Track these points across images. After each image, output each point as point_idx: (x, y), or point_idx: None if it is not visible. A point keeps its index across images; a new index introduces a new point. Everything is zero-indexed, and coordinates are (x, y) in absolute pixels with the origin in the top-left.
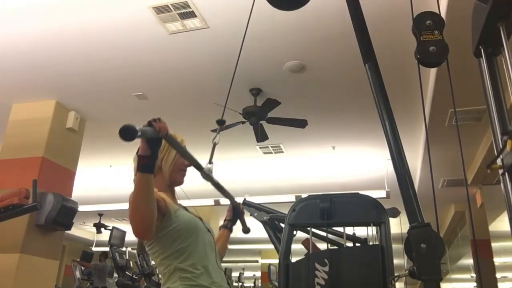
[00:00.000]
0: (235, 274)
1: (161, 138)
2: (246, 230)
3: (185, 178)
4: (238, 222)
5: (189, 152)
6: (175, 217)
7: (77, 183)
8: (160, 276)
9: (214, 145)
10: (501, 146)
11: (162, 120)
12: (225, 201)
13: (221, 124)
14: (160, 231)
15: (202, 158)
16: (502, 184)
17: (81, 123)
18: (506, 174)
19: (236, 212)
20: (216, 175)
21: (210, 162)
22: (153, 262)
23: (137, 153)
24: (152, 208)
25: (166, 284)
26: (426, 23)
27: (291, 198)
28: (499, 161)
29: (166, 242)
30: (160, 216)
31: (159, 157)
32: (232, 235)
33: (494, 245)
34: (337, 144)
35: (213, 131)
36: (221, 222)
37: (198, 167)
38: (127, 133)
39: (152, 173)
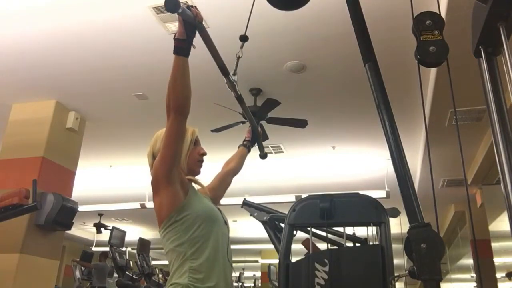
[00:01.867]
0: (235, 274)
1: (196, 24)
2: (263, 155)
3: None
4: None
5: (218, 52)
6: (198, 200)
7: (77, 183)
8: (160, 276)
9: (238, 58)
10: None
11: (198, 9)
12: (224, 201)
13: (245, 40)
14: (181, 212)
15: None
16: (500, 174)
17: (81, 123)
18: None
19: (254, 135)
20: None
21: (235, 73)
22: (153, 262)
23: (174, 37)
24: (187, 87)
25: (174, 278)
26: (426, 23)
27: (291, 198)
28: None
29: (183, 227)
30: (185, 189)
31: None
32: (232, 235)
33: (494, 245)
34: (337, 144)
35: (213, 131)
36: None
37: (224, 71)
38: (171, 4)
39: (187, 56)
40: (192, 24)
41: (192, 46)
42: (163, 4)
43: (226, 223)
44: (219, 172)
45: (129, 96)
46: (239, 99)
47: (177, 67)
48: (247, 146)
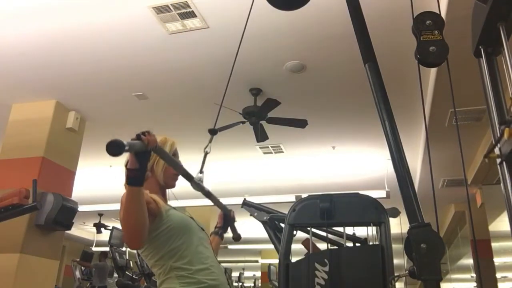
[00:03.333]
0: (235, 274)
1: (149, 151)
2: (236, 237)
3: (183, 178)
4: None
5: (179, 162)
6: (167, 217)
7: (77, 183)
8: (157, 279)
9: (206, 154)
10: (498, 135)
11: (151, 132)
12: (224, 201)
13: (213, 134)
14: (153, 232)
15: (202, 158)
16: (500, 174)
17: (81, 123)
18: (504, 163)
19: (227, 219)
20: (216, 175)
21: (201, 171)
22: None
23: (125, 165)
24: (143, 219)
25: (163, 285)
26: (426, 23)
27: (291, 198)
28: (497, 151)
29: (159, 242)
30: (151, 218)
31: (150, 160)
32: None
33: (494, 245)
34: (337, 144)
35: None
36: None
37: (188, 177)
38: (114, 148)
39: (142, 185)
40: (144, 153)
41: (147, 174)
42: (163, 4)
43: (203, 229)
44: None
45: (129, 96)
46: (208, 194)
47: (132, 199)
48: (219, 234)
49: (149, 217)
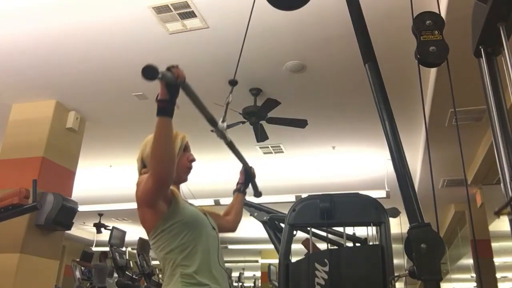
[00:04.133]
0: (235, 274)
1: (178, 84)
2: (257, 194)
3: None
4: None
5: (205, 106)
6: (182, 209)
7: (77, 183)
8: (160, 276)
9: (227, 104)
10: (510, 191)
11: (179, 67)
12: (224, 201)
13: (234, 85)
14: (167, 222)
15: (202, 158)
16: (510, 228)
17: (81, 123)
18: (506, 169)
19: (248, 176)
20: (216, 175)
21: (224, 120)
22: (153, 262)
23: (156, 99)
24: (172, 150)
25: (167, 282)
26: (426, 23)
27: (291, 198)
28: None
29: (171, 235)
30: (167, 204)
31: None
32: (232, 235)
33: (494, 245)
34: (337, 144)
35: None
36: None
37: (213, 122)
38: (149, 72)
39: (171, 117)
40: (174, 85)
41: (176, 107)
42: (163, 4)
43: (214, 228)
44: (221, 214)
45: (129, 96)
46: (230, 145)
47: (161, 129)
48: (241, 191)
49: (165, 201)
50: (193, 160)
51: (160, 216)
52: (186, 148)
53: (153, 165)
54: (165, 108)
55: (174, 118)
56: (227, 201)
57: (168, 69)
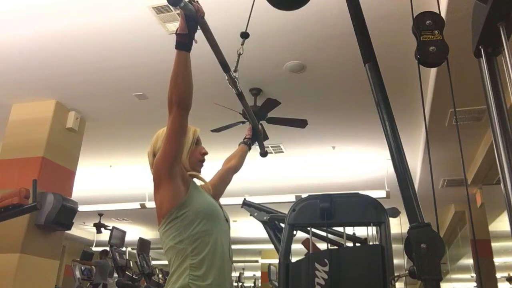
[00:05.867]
0: (235, 274)
1: (198, 19)
2: (263, 153)
3: None
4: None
5: (219, 49)
6: (199, 197)
7: (77, 183)
8: (160, 276)
9: (239, 55)
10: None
11: (200, 4)
12: (225, 201)
13: (245, 37)
14: (182, 208)
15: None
16: (502, 183)
17: (81, 123)
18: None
19: (255, 133)
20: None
21: (236, 70)
22: (153, 262)
23: (176, 32)
24: (189, 82)
25: (174, 277)
26: (426, 23)
27: (291, 198)
28: None
29: (184, 223)
30: (186, 185)
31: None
32: (232, 235)
33: (494, 245)
34: (337, 144)
35: (213, 131)
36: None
37: (226, 68)
38: None
39: (189, 51)
40: (194, 19)
41: (194, 41)
42: (163, 4)
43: (227, 220)
44: (219, 169)
45: (129, 96)
46: (240, 96)
47: (179, 62)
48: (247, 144)
49: (183, 184)
50: (206, 153)
51: (178, 199)
52: (198, 142)
53: (174, 92)
54: (184, 43)
55: None
56: (227, 201)
57: (190, 1)
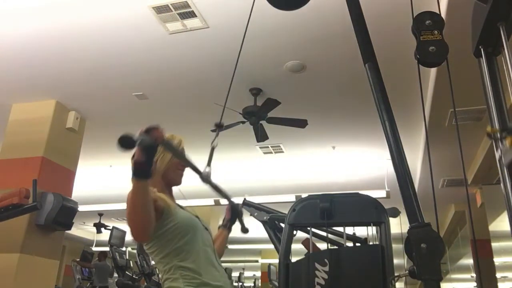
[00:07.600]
0: (235, 274)
1: (156, 146)
2: (244, 230)
3: (185, 178)
4: (238, 223)
5: (187, 156)
6: (174, 215)
7: (77, 183)
8: (160, 276)
9: (213, 148)
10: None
11: (159, 127)
12: (225, 200)
13: (220, 127)
14: (158, 230)
15: (202, 159)
16: (502, 183)
17: (81, 123)
18: (506, 170)
19: (234, 212)
20: (216, 175)
21: (209, 165)
22: (153, 262)
23: (132, 157)
24: (149, 213)
25: (167, 283)
26: (426, 23)
27: (291, 198)
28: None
29: (164, 240)
30: (158, 215)
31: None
32: (232, 235)
33: (494, 245)
34: (337, 144)
35: (213, 131)
36: (221, 222)
37: (196, 170)
38: (125, 144)
39: (148, 178)
40: (152, 147)
41: (154, 165)
42: (163, 4)
43: (206, 228)
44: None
45: (129, 96)
46: (216, 188)
47: (138, 192)
48: (227, 227)
49: (156, 214)
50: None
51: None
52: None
53: (130, 226)
54: (142, 171)
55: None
56: (223, 201)
57: (147, 131)
